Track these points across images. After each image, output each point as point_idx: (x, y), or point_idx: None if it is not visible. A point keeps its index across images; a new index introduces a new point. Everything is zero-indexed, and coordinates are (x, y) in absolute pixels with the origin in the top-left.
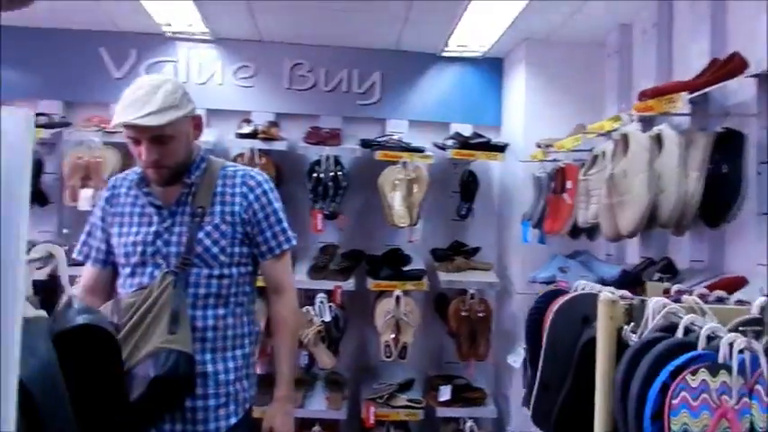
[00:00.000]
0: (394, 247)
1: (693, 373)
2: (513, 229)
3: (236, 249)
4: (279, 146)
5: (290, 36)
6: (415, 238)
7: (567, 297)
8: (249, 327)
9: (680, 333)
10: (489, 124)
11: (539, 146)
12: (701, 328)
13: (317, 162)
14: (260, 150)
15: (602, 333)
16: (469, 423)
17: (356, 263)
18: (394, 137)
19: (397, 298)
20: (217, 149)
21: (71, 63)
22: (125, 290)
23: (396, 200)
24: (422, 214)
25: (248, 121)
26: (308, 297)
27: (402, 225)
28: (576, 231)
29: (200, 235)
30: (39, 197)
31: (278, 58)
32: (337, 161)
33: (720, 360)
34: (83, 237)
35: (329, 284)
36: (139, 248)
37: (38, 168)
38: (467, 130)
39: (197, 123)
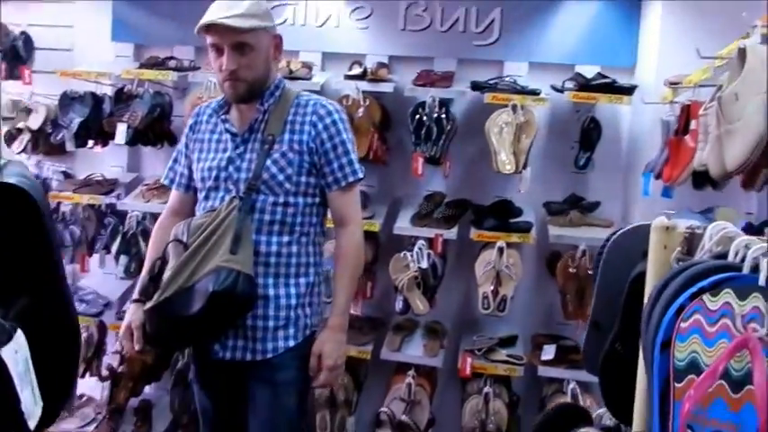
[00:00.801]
0: (503, 199)
1: (714, 294)
2: (639, 182)
3: (303, 179)
4: (385, 87)
5: None
6: (523, 188)
7: (625, 228)
8: (315, 257)
9: (733, 258)
10: (622, 66)
11: (669, 84)
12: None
13: (422, 104)
14: (366, 92)
15: (653, 264)
16: (572, 385)
17: (461, 212)
18: (506, 79)
19: (500, 249)
20: (326, 91)
21: (201, 10)
22: (199, 212)
23: (501, 145)
24: (537, 165)
25: (359, 64)
26: (411, 244)
27: (506, 171)
28: (699, 180)
29: (268, 162)
30: (169, 137)
31: None
32: (443, 103)
33: (762, 282)
34: (169, 162)
35: (431, 233)
36: (213, 173)
37: (168, 110)
38: (593, 72)
39: (277, 44)
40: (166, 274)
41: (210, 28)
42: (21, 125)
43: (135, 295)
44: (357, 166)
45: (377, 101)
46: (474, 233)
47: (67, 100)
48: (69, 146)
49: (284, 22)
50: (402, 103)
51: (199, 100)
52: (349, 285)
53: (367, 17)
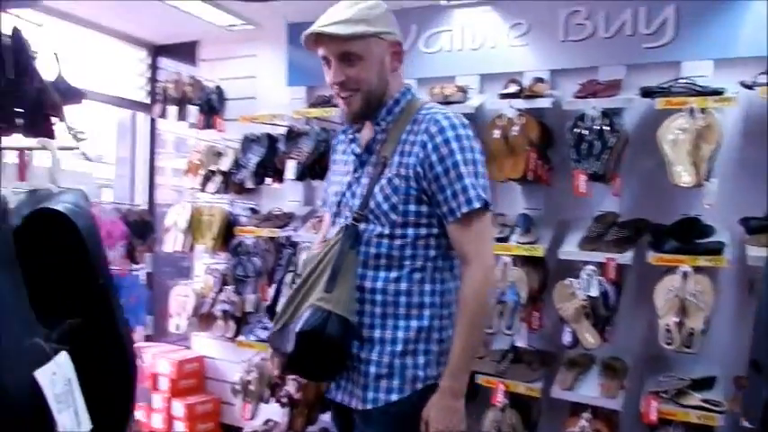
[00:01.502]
0: (688, 217)
1: None
2: None
3: (412, 207)
4: (543, 103)
5: None
6: (708, 202)
7: None
8: (433, 297)
9: None
10: None
11: None
12: None
13: (581, 117)
14: (520, 110)
15: None
16: None
17: (637, 233)
18: (683, 81)
19: (684, 274)
20: (481, 113)
21: None
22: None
23: (676, 154)
24: (730, 175)
25: (515, 81)
26: (580, 270)
27: (684, 184)
28: None
29: (376, 189)
30: None
31: (552, 9)
32: (606, 114)
33: None
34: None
35: (601, 257)
36: (336, 198)
37: None
38: None
39: (395, 51)
40: (278, 308)
41: (315, 39)
42: (213, 168)
43: None
44: (473, 193)
45: (535, 118)
46: (652, 257)
47: (247, 142)
48: (248, 183)
49: (440, 49)
50: (564, 118)
51: None
52: (464, 338)
53: (525, 33)
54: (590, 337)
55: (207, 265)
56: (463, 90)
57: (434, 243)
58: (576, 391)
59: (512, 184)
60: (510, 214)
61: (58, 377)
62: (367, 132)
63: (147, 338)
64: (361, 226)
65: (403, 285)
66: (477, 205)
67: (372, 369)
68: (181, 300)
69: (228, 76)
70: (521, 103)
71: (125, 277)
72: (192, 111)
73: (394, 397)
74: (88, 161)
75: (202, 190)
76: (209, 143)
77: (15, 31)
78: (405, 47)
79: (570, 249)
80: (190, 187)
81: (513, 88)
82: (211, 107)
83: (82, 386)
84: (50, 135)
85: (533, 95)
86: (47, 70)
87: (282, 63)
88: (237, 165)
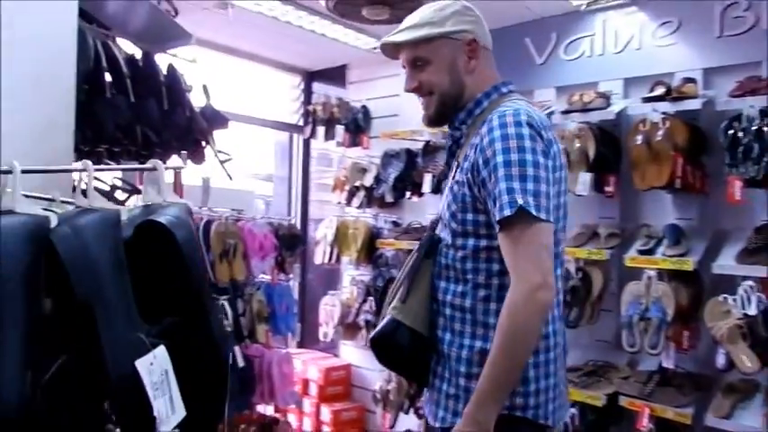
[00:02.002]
0: None
1: None
2: None
3: (469, 216)
4: (691, 105)
5: None
6: None
7: None
8: (498, 317)
9: None
10: None
11: None
12: None
13: (737, 117)
14: (666, 113)
15: None
16: None
17: None
18: None
19: None
20: (623, 118)
21: (502, 59)
22: None
23: None
24: None
25: (661, 83)
26: (738, 286)
27: None
28: None
29: (447, 198)
30: None
31: (705, 4)
32: (766, 113)
33: None
34: None
35: (761, 271)
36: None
37: None
38: None
39: (472, 50)
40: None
41: (386, 49)
42: (358, 183)
43: None
44: (507, 198)
45: (685, 122)
46: None
47: (387, 158)
48: (388, 198)
49: (581, 55)
50: (720, 120)
51: None
52: (493, 365)
53: (674, 31)
54: (747, 361)
55: (352, 276)
56: (604, 96)
57: (498, 257)
58: (734, 420)
59: (660, 193)
60: (657, 225)
61: (155, 367)
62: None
63: (300, 345)
64: (436, 236)
65: (468, 302)
66: (507, 212)
67: (444, 386)
68: (329, 309)
69: (374, 96)
70: (666, 106)
71: (275, 287)
72: (339, 130)
73: (458, 420)
74: (231, 179)
75: (348, 205)
76: (354, 160)
77: (170, 67)
78: (545, 56)
79: (726, 263)
80: (336, 202)
81: (659, 91)
82: (358, 126)
83: (178, 379)
84: (201, 157)
85: (681, 97)
86: (197, 100)
87: None
88: (378, 180)
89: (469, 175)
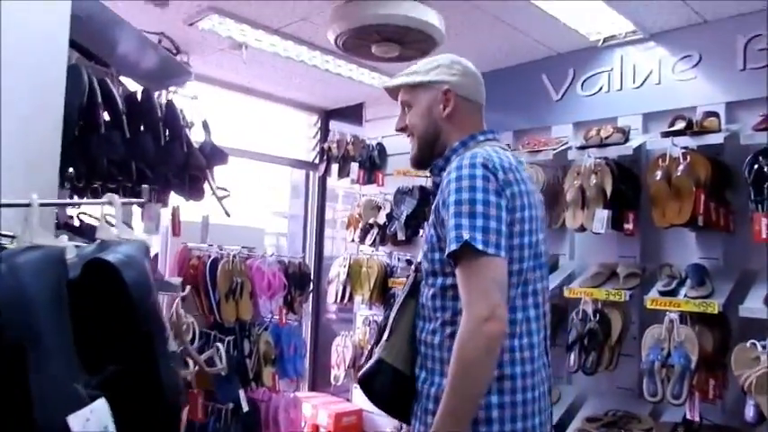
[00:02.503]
0: None
1: None
2: None
3: (437, 255)
4: (713, 139)
5: (743, 6)
6: None
7: None
8: None
9: None
10: None
11: None
12: None
13: (762, 151)
14: (687, 148)
15: None
16: None
17: None
18: None
19: None
20: (641, 156)
21: (519, 96)
22: None
23: None
24: None
25: (681, 118)
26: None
27: None
28: None
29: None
30: None
31: (728, 37)
32: None
33: None
34: None
35: None
36: None
37: None
38: None
39: (446, 98)
40: None
41: (388, 92)
42: (371, 221)
43: None
44: (454, 234)
45: (708, 156)
46: None
47: (400, 195)
48: (400, 235)
49: (599, 90)
50: (743, 155)
51: None
52: (447, 396)
53: (695, 65)
54: None
55: (365, 316)
56: (622, 131)
57: None
58: None
59: (683, 231)
60: (680, 264)
61: (92, 423)
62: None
63: (311, 388)
64: (418, 275)
65: (437, 339)
66: (453, 247)
67: (417, 425)
68: (341, 350)
69: (390, 134)
70: (687, 141)
71: (284, 327)
72: (353, 167)
73: None
74: (228, 216)
75: (361, 242)
76: (369, 197)
77: (169, 103)
78: (562, 92)
79: (754, 305)
80: (350, 240)
81: (680, 125)
82: (373, 163)
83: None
84: (200, 194)
85: (702, 131)
86: (198, 136)
87: None
88: (390, 217)
89: (434, 215)
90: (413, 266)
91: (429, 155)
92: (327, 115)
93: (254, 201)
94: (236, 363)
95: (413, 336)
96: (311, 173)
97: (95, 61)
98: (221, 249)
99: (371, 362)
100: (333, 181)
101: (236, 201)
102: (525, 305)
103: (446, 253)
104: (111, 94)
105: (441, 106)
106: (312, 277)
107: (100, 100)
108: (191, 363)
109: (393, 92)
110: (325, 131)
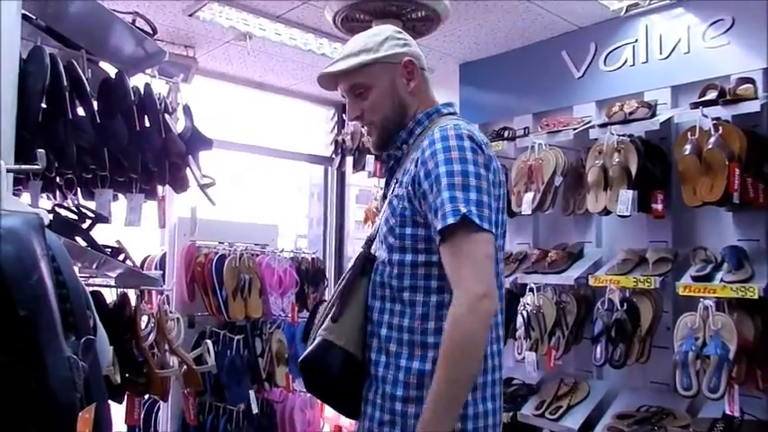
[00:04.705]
0: None
1: None
2: None
3: (408, 231)
4: (747, 107)
5: None
6: None
7: None
8: (437, 337)
9: None
10: None
11: None
12: None
13: None
14: (719, 119)
15: None
16: None
17: None
18: None
19: None
20: (671, 132)
21: (538, 75)
22: None
23: None
24: None
25: (713, 87)
26: None
27: None
28: None
29: (383, 212)
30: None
31: None
32: None
33: None
34: None
35: None
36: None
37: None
38: None
39: (409, 71)
40: None
41: (323, 81)
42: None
43: None
44: (450, 207)
45: (742, 128)
46: None
47: None
48: None
49: (623, 64)
50: None
51: (524, 164)
52: (442, 378)
53: (727, 30)
54: None
55: None
56: (648, 105)
57: (436, 273)
58: None
59: (719, 211)
60: (716, 247)
61: None
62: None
63: None
64: (373, 252)
65: (405, 321)
66: (450, 221)
67: (377, 413)
68: None
69: None
70: (719, 111)
71: (296, 325)
72: (369, 160)
73: None
74: (213, 205)
75: None
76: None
77: (146, 87)
78: (583, 69)
79: None
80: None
81: (711, 94)
82: (370, 150)
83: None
84: (183, 183)
85: (736, 99)
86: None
87: (456, 104)
88: None
89: (410, 188)
90: (364, 243)
91: (397, 132)
92: (343, 108)
93: (272, 200)
94: (246, 362)
95: (365, 318)
96: (329, 169)
97: (65, 44)
98: (230, 246)
99: (315, 344)
100: (357, 179)
101: (250, 199)
102: (496, 285)
103: (440, 227)
104: (79, 78)
105: (404, 80)
106: (331, 275)
107: (66, 83)
108: (175, 361)
109: (331, 81)
110: (341, 125)
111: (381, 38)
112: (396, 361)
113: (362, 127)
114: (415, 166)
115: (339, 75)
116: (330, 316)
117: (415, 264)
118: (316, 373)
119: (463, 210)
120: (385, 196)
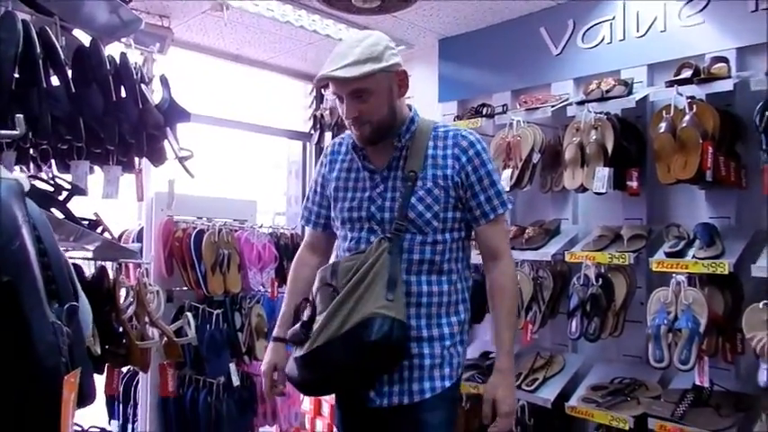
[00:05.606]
0: None
1: None
2: None
3: (450, 215)
4: (721, 86)
5: None
6: None
7: None
8: (464, 293)
9: None
10: None
11: None
12: None
13: None
14: (693, 97)
15: None
16: None
17: None
18: None
19: None
20: (644, 109)
21: (516, 52)
22: (342, 253)
23: None
24: None
25: (688, 66)
26: None
27: None
28: None
29: (413, 200)
30: None
31: None
32: None
33: None
34: (304, 201)
35: None
36: (355, 214)
37: None
38: None
39: (401, 80)
40: (318, 322)
41: (327, 80)
42: None
43: (278, 333)
44: (505, 197)
45: (717, 107)
46: None
47: None
48: None
49: (600, 42)
50: (755, 106)
51: (502, 141)
52: (513, 323)
53: (702, 9)
54: None
55: None
56: (625, 83)
57: (462, 245)
58: None
59: (692, 189)
60: (688, 224)
61: None
62: (380, 150)
63: None
64: (401, 236)
65: (445, 287)
66: (508, 207)
67: (427, 362)
68: None
69: None
70: (693, 90)
71: (276, 300)
72: None
73: (447, 383)
74: (191, 178)
75: None
76: None
77: (122, 56)
78: (561, 46)
79: (766, 265)
80: None
81: (686, 73)
82: None
83: None
84: (161, 156)
85: (709, 78)
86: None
87: (435, 79)
88: None
89: (458, 179)
90: (387, 228)
91: (386, 134)
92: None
93: (250, 177)
94: (226, 336)
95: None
96: (308, 145)
97: (37, 10)
98: (209, 221)
99: (378, 324)
100: None
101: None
102: None
103: (499, 212)
104: (52, 46)
105: (398, 88)
106: None
107: (39, 51)
108: (155, 332)
109: (328, 82)
110: (320, 99)
111: (381, 47)
112: (438, 320)
113: (351, 125)
114: (458, 161)
115: (343, 80)
116: (384, 296)
117: (453, 240)
118: (384, 349)
119: (509, 199)
120: (384, 178)
